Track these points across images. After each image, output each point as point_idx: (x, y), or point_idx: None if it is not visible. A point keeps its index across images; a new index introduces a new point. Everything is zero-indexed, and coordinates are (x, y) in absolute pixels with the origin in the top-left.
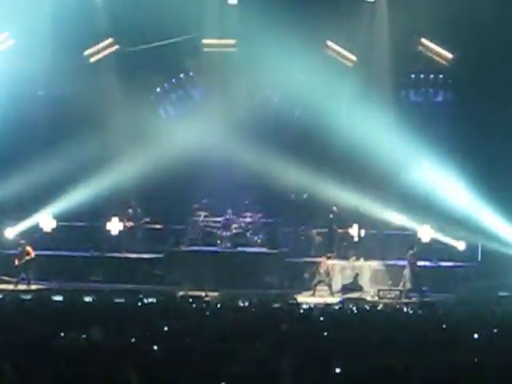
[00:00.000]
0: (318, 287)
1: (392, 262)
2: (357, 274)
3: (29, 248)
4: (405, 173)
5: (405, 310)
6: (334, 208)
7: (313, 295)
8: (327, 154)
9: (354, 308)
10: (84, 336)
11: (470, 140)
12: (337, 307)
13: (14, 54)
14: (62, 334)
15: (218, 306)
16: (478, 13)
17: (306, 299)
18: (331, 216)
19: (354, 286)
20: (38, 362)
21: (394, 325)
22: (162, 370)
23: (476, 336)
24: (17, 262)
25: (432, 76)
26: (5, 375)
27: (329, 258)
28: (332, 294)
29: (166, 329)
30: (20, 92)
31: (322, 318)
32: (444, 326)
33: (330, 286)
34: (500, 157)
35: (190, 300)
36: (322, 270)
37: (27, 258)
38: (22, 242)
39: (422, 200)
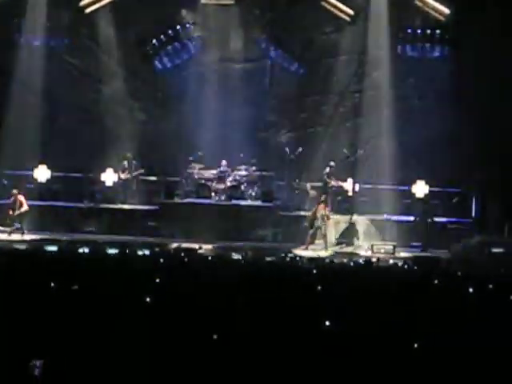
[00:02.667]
0: (315, 241)
1: (386, 217)
2: (350, 229)
3: (21, 198)
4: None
5: (399, 264)
6: (332, 163)
7: (306, 249)
8: (321, 109)
9: (348, 262)
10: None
11: (466, 96)
12: (330, 261)
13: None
14: (52, 284)
15: (212, 258)
16: None
17: (300, 252)
18: (327, 170)
19: (347, 240)
20: (30, 311)
21: (388, 279)
22: (153, 321)
23: (471, 290)
24: (11, 212)
25: (429, 31)
26: None
27: (323, 202)
28: (326, 247)
29: (157, 280)
30: (15, 41)
31: (314, 271)
32: (438, 280)
33: (325, 237)
34: (497, 112)
35: (184, 252)
36: (318, 215)
37: (21, 209)
38: (14, 191)
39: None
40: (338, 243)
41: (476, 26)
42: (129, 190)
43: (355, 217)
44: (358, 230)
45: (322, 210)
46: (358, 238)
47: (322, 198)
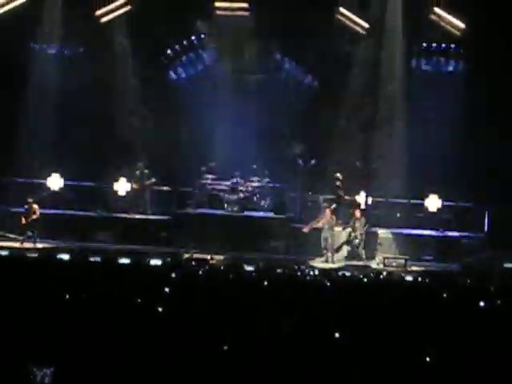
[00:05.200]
0: (328, 253)
1: (398, 231)
2: (367, 241)
3: (35, 206)
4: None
5: (410, 278)
6: (338, 174)
7: (326, 261)
8: (335, 121)
9: (360, 275)
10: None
11: (480, 110)
12: (342, 273)
13: (22, 11)
14: (64, 293)
15: (223, 269)
16: None
17: (313, 264)
18: (338, 183)
19: (363, 253)
20: (41, 319)
21: (400, 293)
22: (166, 331)
23: (482, 304)
24: (24, 221)
25: (444, 45)
26: None
27: (330, 210)
28: (333, 260)
29: (170, 290)
30: (31, 50)
31: (328, 284)
32: (448, 294)
33: (332, 249)
34: (511, 126)
35: (195, 263)
36: (325, 221)
37: (34, 216)
38: (30, 200)
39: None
40: (350, 256)
41: (491, 41)
42: (141, 199)
43: (367, 230)
44: (370, 243)
45: (327, 217)
46: (375, 251)
47: (332, 206)
